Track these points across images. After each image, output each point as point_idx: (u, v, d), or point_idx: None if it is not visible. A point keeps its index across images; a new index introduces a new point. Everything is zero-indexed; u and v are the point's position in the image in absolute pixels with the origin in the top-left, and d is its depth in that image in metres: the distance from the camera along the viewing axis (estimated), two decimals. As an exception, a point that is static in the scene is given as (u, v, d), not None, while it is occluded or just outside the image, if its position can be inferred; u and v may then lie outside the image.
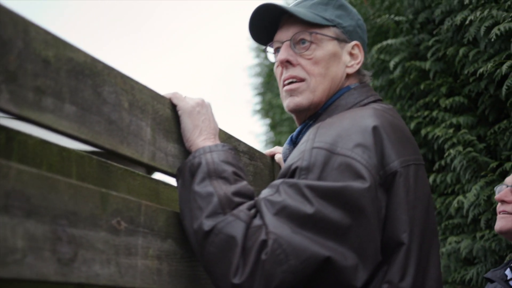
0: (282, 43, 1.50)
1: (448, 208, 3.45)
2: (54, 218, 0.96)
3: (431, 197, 1.39)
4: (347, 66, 1.50)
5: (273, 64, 1.61)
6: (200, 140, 1.35)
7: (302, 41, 1.47)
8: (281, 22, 1.54)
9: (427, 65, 3.36)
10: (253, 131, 11.44)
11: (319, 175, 1.23)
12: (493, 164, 2.92)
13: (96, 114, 1.11)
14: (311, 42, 1.47)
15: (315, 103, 1.48)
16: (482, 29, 2.73)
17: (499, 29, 2.57)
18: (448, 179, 3.34)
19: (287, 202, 1.21)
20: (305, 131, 1.50)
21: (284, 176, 1.29)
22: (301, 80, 1.47)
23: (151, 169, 1.34)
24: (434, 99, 3.36)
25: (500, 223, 2.24)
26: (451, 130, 3.09)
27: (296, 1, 1.57)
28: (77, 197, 1.02)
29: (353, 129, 1.28)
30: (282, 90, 1.52)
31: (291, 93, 1.48)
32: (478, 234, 3.13)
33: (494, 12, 2.65)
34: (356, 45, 1.52)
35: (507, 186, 2.26)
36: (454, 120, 3.16)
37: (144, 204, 1.24)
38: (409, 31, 3.65)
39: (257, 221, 1.21)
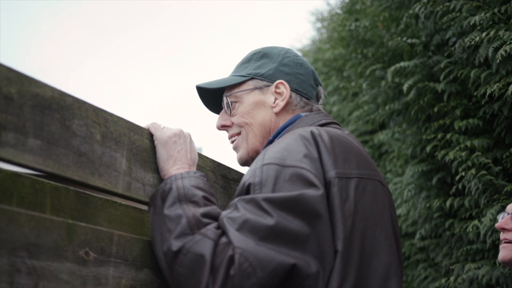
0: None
1: (468, 233, 3.36)
2: (13, 250, 0.99)
3: (386, 212, 1.42)
4: (272, 107, 1.61)
5: None
6: (174, 169, 1.37)
7: (229, 104, 1.63)
8: None
9: (440, 86, 3.31)
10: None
11: (272, 188, 1.28)
12: (508, 188, 2.83)
13: (63, 147, 1.14)
14: (234, 102, 1.63)
15: (252, 150, 1.63)
16: (491, 50, 2.68)
17: (505, 50, 2.52)
18: (466, 203, 3.25)
19: (247, 216, 1.24)
20: None
21: (239, 195, 1.33)
22: (238, 134, 1.64)
23: (127, 200, 1.36)
24: (449, 121, 3.30)
25: (502, 253, 2.17)
26: (463, 153, 3.02)
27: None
28: (39, 229, 1.05)
29: (297, 142, 1.36)
30: None
31: (235, 150, 1.67)
32: (498, 260, 3.02)
33: (501, 33, 2.60)
34: (279, 83, 1.61)
35: (508, 214, 2.19)
36: (468, 143, 3.09)
37: (117, 234, 1.25)
38: (424, 54, 3.61)
39: (224, 239, 1.24)
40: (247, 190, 1.31)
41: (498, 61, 2.58)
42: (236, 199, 1.30)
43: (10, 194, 1.16)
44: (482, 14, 2.71)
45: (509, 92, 2.53)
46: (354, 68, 4.49)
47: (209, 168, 1.64)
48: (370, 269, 1.31)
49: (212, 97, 1.72)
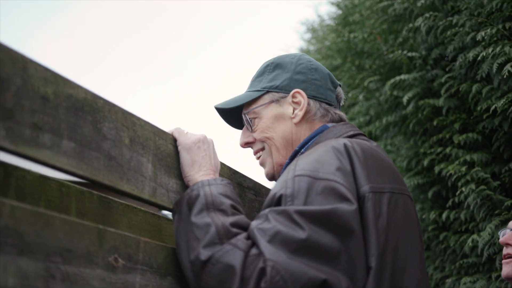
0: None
1: (462, 247, 3.37)
2: (48, 255, 0.95)
3: (416, 227, 1.40)
4: (291, 118, 1.58)
5: None
6: (199, 175, 1.35)
7: (249, 120, 1.61)
8: None
9: (440, 101, 3.33)
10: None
11: (304, 201, 1.25)
12: (508, 202, 2.86)
13: (95, 150, 1.11)
14: (254, 118, 1.61)
15: (277, 164, 1.60)
16: (495, 66, 2.71)
17: (511, 66, 2.55)
18: (462, 216, 3.27)
19: (278, 228, 1.22)
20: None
21: (269, 205, 1.30)
22: (262, 149, 1.62)
23: (152, 206, 1.33)
24: (447, 136, 3.33)
25: (506, 269, 2.20)
26: (464, 168, 3.04)
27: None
28: (72, 234, 1.01)
29: (330, 154, 1.33)
30: None
31: (262, 166, 1.66)
32: (494, 275, 3.04)
33: (506, 49, 2.63)
34: (296, 92, 1.58)
35: (511, 230, 2.22)
36: (468, 157, 3.11)
37: (143, 240, 1.22)
38: (422, 67, 3.64)
39: (254, 250, 1.21)
40: (278, 201, 1.27)
41: (504, 77, 2.60)
42: (267, 210, 1.27)
43: (38, 197, 1.14)
44: (488, 30, 2.74)
45: (513, 107, 2.56)
46: (350, 80, 4.50)
47: (226, 176, 1.62)
48: (402, 286, 1.29)
49: (233, 114, 1.68)
